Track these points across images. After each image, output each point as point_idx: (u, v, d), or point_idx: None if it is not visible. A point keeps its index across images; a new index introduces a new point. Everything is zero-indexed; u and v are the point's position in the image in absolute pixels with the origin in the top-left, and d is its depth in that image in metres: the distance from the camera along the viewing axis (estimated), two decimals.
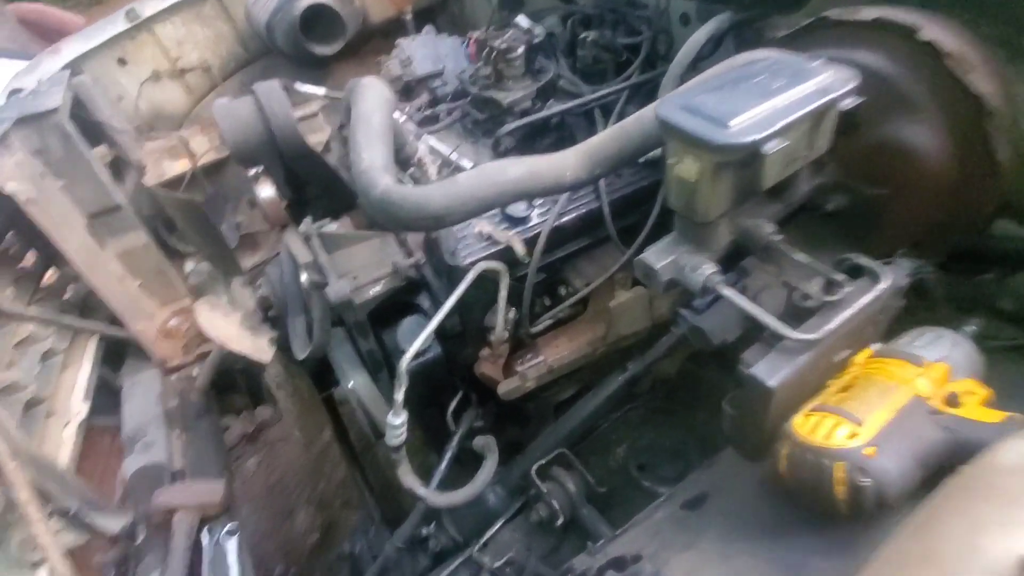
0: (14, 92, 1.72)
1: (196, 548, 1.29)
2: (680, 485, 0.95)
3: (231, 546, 1.32)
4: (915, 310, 0.83)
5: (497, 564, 1.11)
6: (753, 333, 0.81)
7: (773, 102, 0.67)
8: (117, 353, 1.77)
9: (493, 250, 1.08)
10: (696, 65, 1.16)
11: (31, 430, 1.37)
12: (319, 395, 1.46)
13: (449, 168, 1.25)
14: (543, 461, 1.20)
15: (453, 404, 1.30)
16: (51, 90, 1.62)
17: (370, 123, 0.88)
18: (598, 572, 0.82)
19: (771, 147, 0.66)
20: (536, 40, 1.28)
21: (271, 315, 1.28)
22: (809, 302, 0.74)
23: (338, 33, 1.87)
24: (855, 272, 0.75)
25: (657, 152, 1.18)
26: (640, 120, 0.87)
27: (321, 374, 1.52)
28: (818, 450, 0.63)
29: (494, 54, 1.24)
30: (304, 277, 1.16)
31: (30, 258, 1.62)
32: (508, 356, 1.23)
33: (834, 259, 0.78)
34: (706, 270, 0.76)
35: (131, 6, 1.91)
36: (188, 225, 1.48)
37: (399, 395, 0.95)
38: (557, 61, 1.38)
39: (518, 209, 1.10)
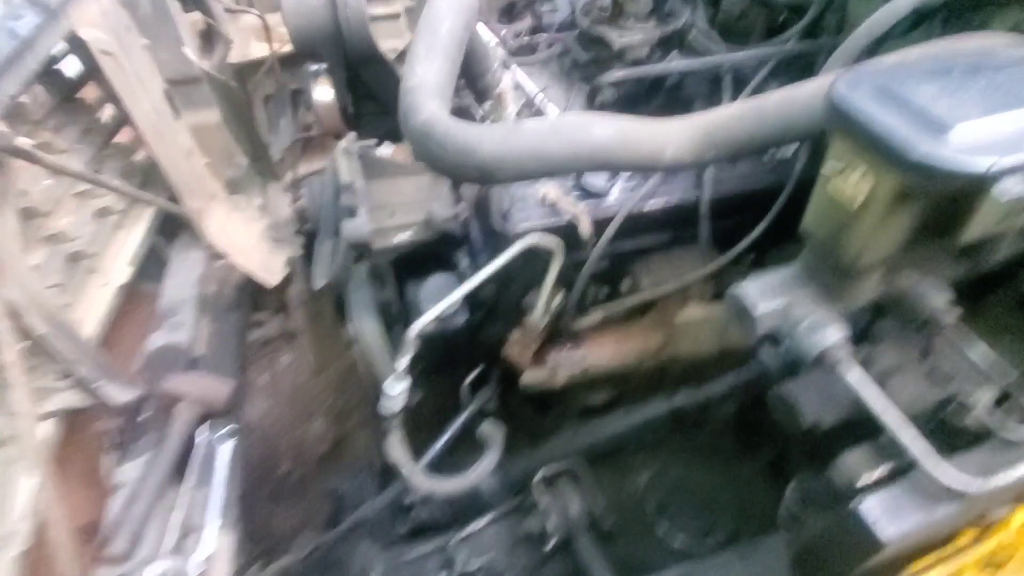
0: None
1: (190, 442, 1.24)
2: (702, 565, 0.74)
3: (224, 449, 1.25)
4: None
5: (471, 568, 0.96)
6: (862, 429, 0.57)
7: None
8: (175, 225, 1.73)
9: (553, 222, 0.86)
10: (880, 45, 0.84)
11: (69, 283, 1.34)
12: (341, 324, 1.34)
13: (531, 111, 1.02)
14: (549, 474, 1.02)
15: (470, 377, 1.13)
16: None
17: (436, 31, 0.67)
18: None
19: (1008, 187, 0.40)
20: None
21: (306, 229, 1.14)
22: (968, 420, 0.49)
23: None
24: None
25: (787, 151, 0.90)
26: (789, 100, 0.60)
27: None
28: None
29: None
30: (344, 198, 0.99)
31: (107, 111, 1.57)
32: (541, 343, 1.04)
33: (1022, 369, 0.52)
34: (830, 335, 0.51)
35: None
36: (226, 111, 1.34)
37: (402, 362, 0.78)
38: (694, 7, 1.08)
39: (597, 180, 0.87)
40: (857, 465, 0.50)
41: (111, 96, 1.49)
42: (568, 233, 0.86)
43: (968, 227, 0.45)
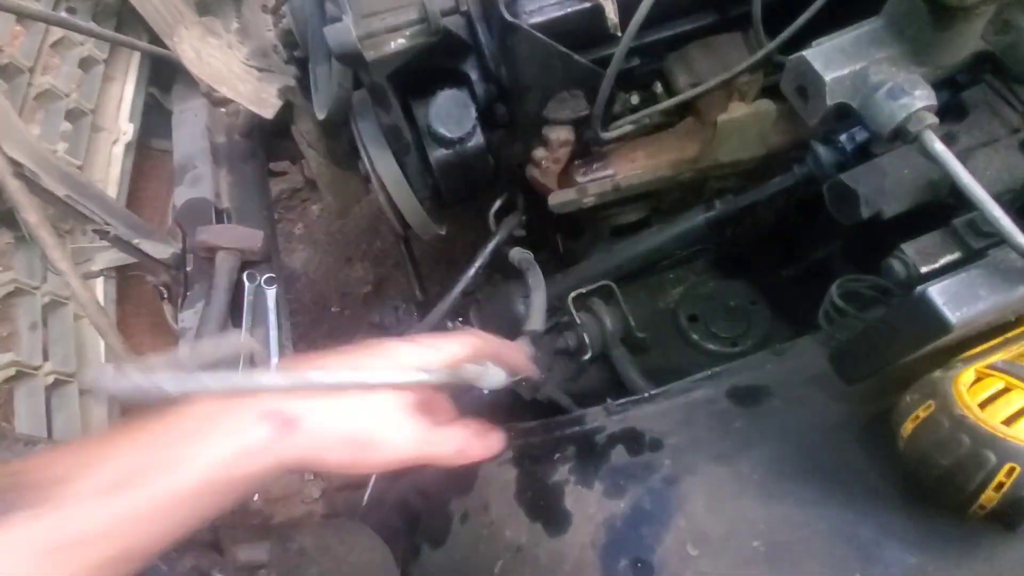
0: None
1: (238, 288, 1.29)
2: (735, 364, 0.74)
3: (271, 293, 1.30)
4: None
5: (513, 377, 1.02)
6: (929, 217, 0.50)
7: None
8: (168, 72, 1.59)
9: (572, 9, 0.72)
10: None
11: (77, 144, 1.29)
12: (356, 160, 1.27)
13: None
14: (584, 290, 1.01)
15: (496, 204, 1.08)
16: None
17: None
18: (608, 440, 0.69)
19: None
20: None
21: (297, 55, 1.01)
22: None
23: None
24: None
25: None
26: None
27: None
28: (985, 435, 0.39)
29: None
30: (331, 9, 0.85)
31: None
32: (568, 161, 0.95)
33: None
34: (917, 99, 0.41)
35: None
36: None
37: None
38: None
39: None
40: (922, 253, 0.44)
41: None
42: (592, 23, 0.72)
43: None
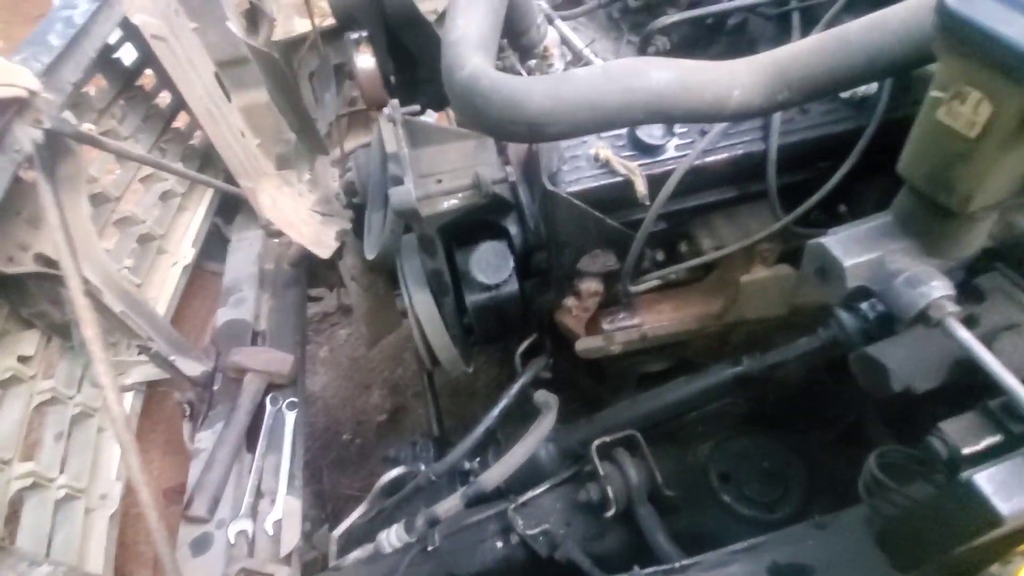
0: None
1: (260, 410, 1.30)
2: (775, 536, 0.70)
3: (290, 418, 1.30)
4: None
5: (531, 531, 0.96)
6: (961, 394, 0.50)
7: None
8: (233, 206, 1.78)
9: (606, 182, 0.82)
10: None
11: (141, 264, 1.40)
12: (393, 296, 1.35)
13: (578, 66, 0.96)
14: (608, 439, 0.99)
15: (524, 345, 1.11)
16: None
17: None
18: None
19: None
20: None
21: (355, 202, 1.14)
22: None
23: None
24: None
25: (871, 88, 0.80)
26: (877, 25, 0.52)
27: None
28: None
29: None
30: (392, 168, 0.98)
31: (164, 98, 1.61)
32: (596, 310, 1.00)
33: None
34: (934, 290, 0.45)
35: None
36: (271, 85, 1.34)
37: None
38: None
39: (652, 134, 0.81)
40: (962, 434, 0.44)
41: (166, 82, 1.52)
42: (623, 193, 0.81)
43: None
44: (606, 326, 1.01)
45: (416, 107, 0.85)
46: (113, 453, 1.10)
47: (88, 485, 1.01)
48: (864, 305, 0.72)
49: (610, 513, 0.93)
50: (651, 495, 0.96)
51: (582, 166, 0.81)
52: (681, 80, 0.54)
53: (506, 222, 0.91)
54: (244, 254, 1.65)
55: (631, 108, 0.54)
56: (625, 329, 1.00)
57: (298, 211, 0.98)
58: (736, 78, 0.57)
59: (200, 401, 1.33)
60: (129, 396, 1.22)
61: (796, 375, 1.00)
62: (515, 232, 0.91)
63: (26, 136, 0.82)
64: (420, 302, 0.91)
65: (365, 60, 0.94)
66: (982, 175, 0.40)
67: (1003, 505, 0.37)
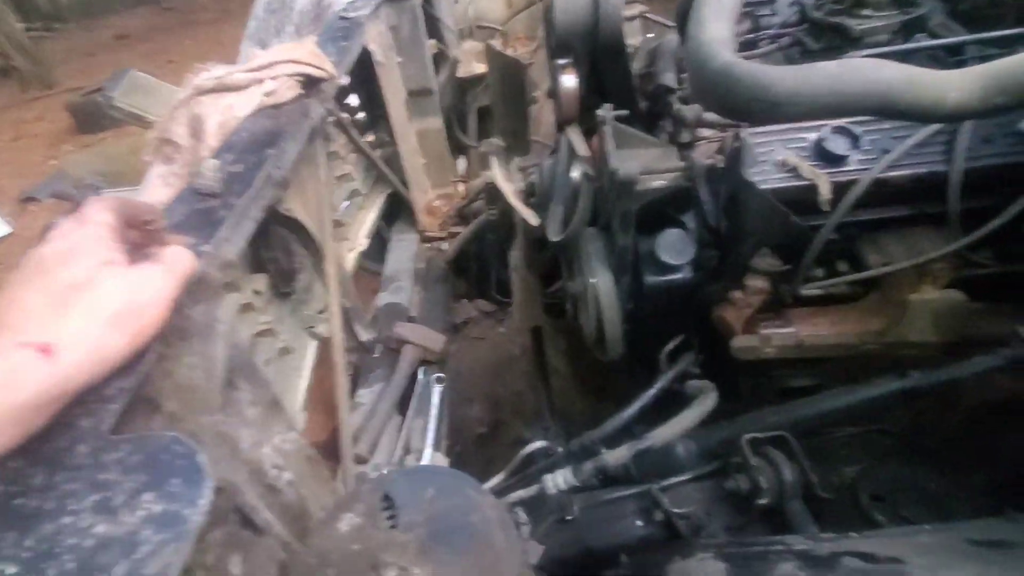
0: None
1: (412, 379, 1.44)
2: (963, 523, 0.71)
3: (437, 390, 1.43)
4: None
5: (676, 510, 0.99)
6: None
7: None
8: (393, 212, 2.04)
9: (791, 184, 0.92)
10: None
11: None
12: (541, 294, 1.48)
13: None
14: (760, 435, 1.02)
15: (672, 343, 1.19)
16: None
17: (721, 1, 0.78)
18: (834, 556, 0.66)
19: None
20: None
21: (532, 202, 1.31)
22: None
23: None
24: None
25: None
26: None
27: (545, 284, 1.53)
28: None
29: None
30: (576, 170, 1.14)
31: (361, 115, 1.93)
32: (755, 312, 1.07)
33: None
34: None
35: None
36: (501, 90, 1.56)
37: None
38: None
39: (838, 144, 0.91)
40: None
41: (371, 101, 1.83)
42: (805, 198, 0.91)
43: None
44: (762, 329, 1.07)
45: (625, 112, 1.01)
46: (300, 388, 1.27)
47: None
48: None
49: (762, 501, 0.95)
50: (805, 495, 0.97)
51: (768, 170, 0.92)
52: (908, 78, 0.65)
53: (684, 216, 1.03)
54: (402, 252, 1.88)
55: (865, 98, 0.66)
56: (782, 334, 1.06)
57: (510, 191, 1.16)
58: (953, 82, 0.67)
59: (360, 363, 1.50)
60: (313, 344, 1.40)
61: (968, 400, 0.99)
62: (692, 226, 1.02)
63: (316, 111, 1.05)
64: (603, 279, 1.02)
65: (571, 79, 1.13)
66: None
67: None
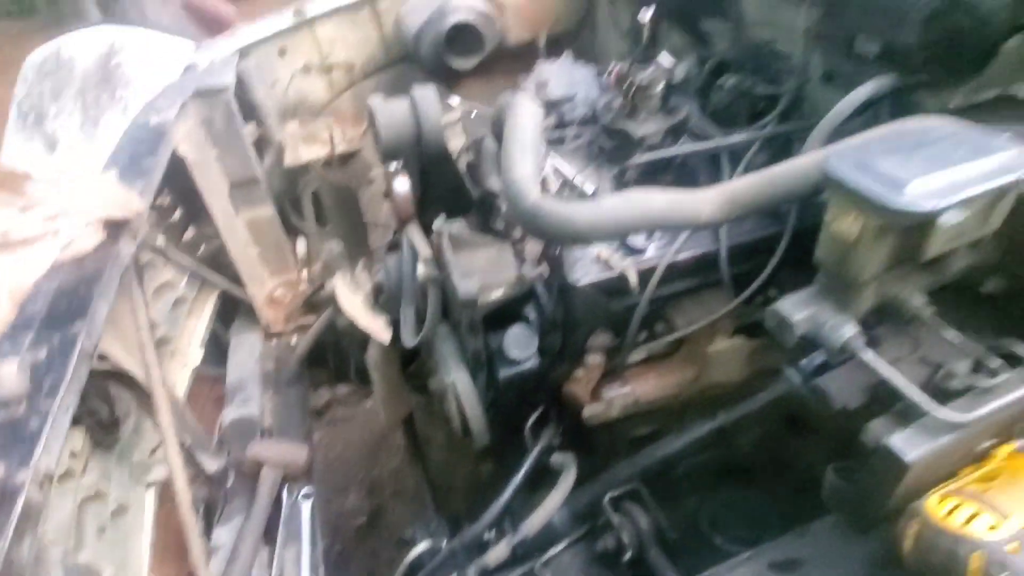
0: (190, 67, 1.92)
1: (277, 503, 1.36)
2: (769, 544, 0.90)
3: (306, 508, 1.37)
4: None
5: None
6: (878, 404, 0.77)
7: (954, 172, 0.64)
8: (230, 311, 1.91)
9: (606, 276, 1.09)
10: (844, 126, 1.13)
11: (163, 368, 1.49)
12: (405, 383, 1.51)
13: (569, 189, 1.28)
14: (616, 493, 1.18)
15: (532, 418, 1.30)
16: (223, 69, 1.80)
17: (524, 137, 0.92)
18: None
19: (947, 219, 0.63)
20: (676, 80, 1.30)
21: (381, 301, 1.35)
22: (954, 383, 0.70)
23: (476, 50, 1.96)
24: (1011, 360, 0.70)
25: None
26: (793, 170, 0.86)
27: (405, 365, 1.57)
28: (954, 536, 0.58)
29: (633, 88, 1.26)
30: (421, 270, 1.21)
31: (177, 214, 1.79)
32: (596, 382, 1.23)
33: (986, 343, 0.74)
34: (847, 331, 0.73)
35: (298, 6, 2.09)
36: (335, 204, 1.58)
37: None
38: (692, 102, 1.39)
39: (637, 240, 1.11)
40: (880, 426, 0.70)
41: (180, 200, 1.72)
42: (618, 285, 1.09)
43: (927, 248, 0.68)
44: (605, 395, 1.23)
45: (460, 220, 1.11)
46: (143, 549, 1.13)
47: None
48: (803, 361, 1.01)
49: (627, 557, 1.09)
50: (659, 540, 1.13)
51: (588, 264, 1.09)
52: (672, 203, 0.84)
53: (526, 311, 1.16)
54: (246, 355, 1.76)
55: (642, 221, 0.83)
56: (622, 395, 1.23)
57: (357, 305, 1.18)
58: (705, 202, 0.87)
59: (215, 498, 1.37)
60: (151, 493, 1.25)
61: (765, 425, 1.25)
62: (532, 317, 1.15)
63: (127, 250, 0.98)
64: (461, 379, 1.10)
65: (403, 184, 1.21)
66: (861, 261, 0.70)
67: (908, 455, 0.62)
